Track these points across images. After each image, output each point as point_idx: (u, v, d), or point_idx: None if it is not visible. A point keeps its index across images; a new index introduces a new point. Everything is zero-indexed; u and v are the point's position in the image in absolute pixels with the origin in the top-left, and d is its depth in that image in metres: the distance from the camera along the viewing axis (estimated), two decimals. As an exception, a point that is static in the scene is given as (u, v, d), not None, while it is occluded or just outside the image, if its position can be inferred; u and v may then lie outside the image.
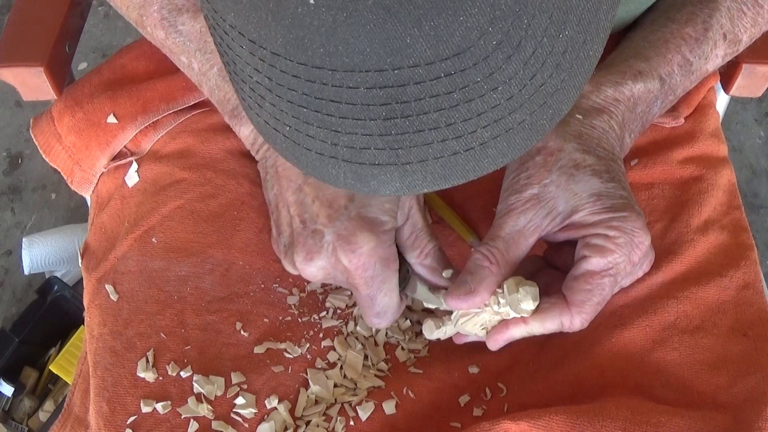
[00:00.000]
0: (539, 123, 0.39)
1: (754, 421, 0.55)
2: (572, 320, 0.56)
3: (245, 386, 0.61)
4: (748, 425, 0.55)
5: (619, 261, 0.55)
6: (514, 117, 0.38)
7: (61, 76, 0.76)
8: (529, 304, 0.55)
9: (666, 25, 0.64)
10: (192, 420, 0.59)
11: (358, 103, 0.36)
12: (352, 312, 0.66)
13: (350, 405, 0.60)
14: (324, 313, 0.66)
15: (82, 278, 0.70)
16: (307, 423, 0.59)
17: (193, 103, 0.72)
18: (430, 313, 0.62)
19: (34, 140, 0.74)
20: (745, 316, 0.61)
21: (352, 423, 0.59)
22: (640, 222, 0.56)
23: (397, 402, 0.60)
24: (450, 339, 0.60)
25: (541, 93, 0.38)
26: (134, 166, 0.71)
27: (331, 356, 0.63)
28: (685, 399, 0.57)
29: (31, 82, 0.74)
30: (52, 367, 1.25)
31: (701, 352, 0.59)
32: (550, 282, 0.59)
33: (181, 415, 0.59)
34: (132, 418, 0.59)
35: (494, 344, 0.58)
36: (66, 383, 1.27)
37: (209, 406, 0.59)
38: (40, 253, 1.38)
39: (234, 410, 0.59)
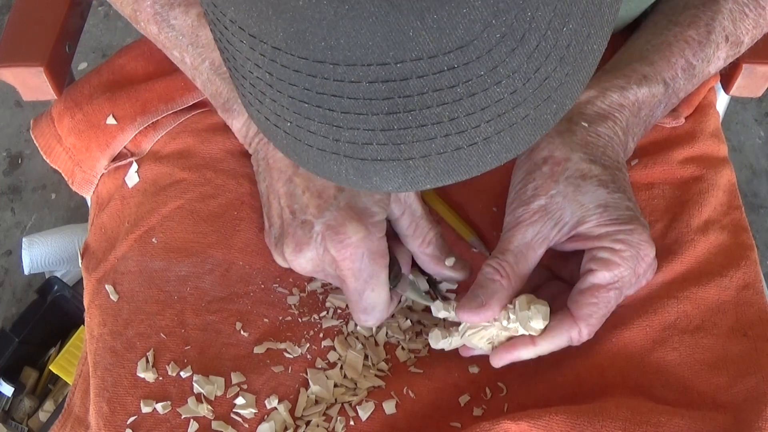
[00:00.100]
0: (543, 118, 0.39)
1: (754, 421, 0.55)
2: (580, 334, 0.56)
3: (245, 386, 0.60)
4: (748, 425, 0.55)
5: (625, 274, 0.56)
6: (517, 111, 0.37)
7: (61, 76, 0.76)
8: (539, 323, 0.55)
9: (669, 28, 0.64)
10: (192, 420, 0.59)
11: (360, 97, 0.36)
12: (353, 312, 0.66)
13: (350, 405, 0.60)
14: (324, 312, 0.66)
15: (82, 278, 0.70)
16: (307, 423, 0.59)
17: (192, 103, 0.72)
18: (433, 316, 0.62)
19: (35, 142, 0.74)
20: (745, 316, 0.61)
21: (352, 423, 0.59)
22: (645, 235, 0.56)
23: (397, 402, 0.60)
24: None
25: (545, 87, 0.37)
26: (134, 166, 0.71)
27: (331, 356, 0.63)
28: (685, 399, 0.57)
29: (31, 82, 0.74)
30: (52, 367, 1.25)
31: (701, 352, 0.59)
32: (556, 294, 0.59)
33: (181, 415, 0.59)
34: (132, 419, 0.59)
35: (499, 361, 0.58)
36: (66, 383, 1.27)
37: (209, 406, 0.59)
38: (40, 253, 1.38)
39: (234, 410, 0.59)
